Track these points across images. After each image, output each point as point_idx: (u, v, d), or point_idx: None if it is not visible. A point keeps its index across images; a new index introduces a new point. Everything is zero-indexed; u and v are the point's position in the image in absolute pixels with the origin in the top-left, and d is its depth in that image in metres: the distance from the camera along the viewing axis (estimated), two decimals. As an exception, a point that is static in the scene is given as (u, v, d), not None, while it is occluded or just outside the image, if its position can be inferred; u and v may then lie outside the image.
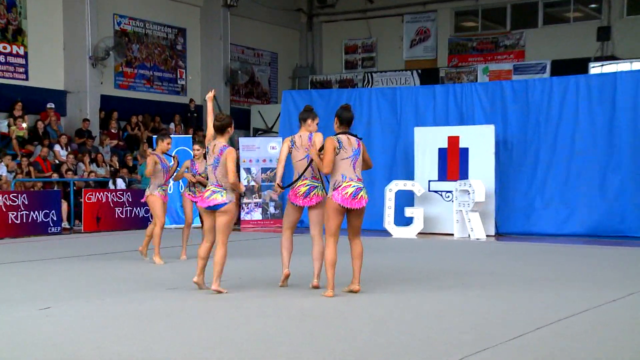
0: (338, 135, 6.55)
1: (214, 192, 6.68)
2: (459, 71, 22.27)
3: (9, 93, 16.49)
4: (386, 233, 13.32)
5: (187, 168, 9.65)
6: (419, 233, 13.28)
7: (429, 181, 13.70)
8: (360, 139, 6.67)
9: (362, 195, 6.47)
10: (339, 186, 6.44)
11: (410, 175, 13.95)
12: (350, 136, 6.56)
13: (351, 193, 6.42)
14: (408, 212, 13.35)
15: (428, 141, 13.73)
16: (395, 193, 13.38)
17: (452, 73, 22.29)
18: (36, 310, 5.85)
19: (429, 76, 22.17)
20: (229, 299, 6.38)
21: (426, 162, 13.74)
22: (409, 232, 13.22)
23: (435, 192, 13.67)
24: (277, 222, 15.37)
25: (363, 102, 14.96)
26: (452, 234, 13.11)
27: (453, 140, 13.54)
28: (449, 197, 13.48)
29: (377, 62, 24.46)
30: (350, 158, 6.49)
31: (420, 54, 23.75)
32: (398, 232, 13.25)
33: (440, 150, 13.64)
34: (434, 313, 5.81)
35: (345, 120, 6.57)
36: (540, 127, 13.55)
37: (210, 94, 7.16)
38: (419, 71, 22.65)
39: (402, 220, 13.52)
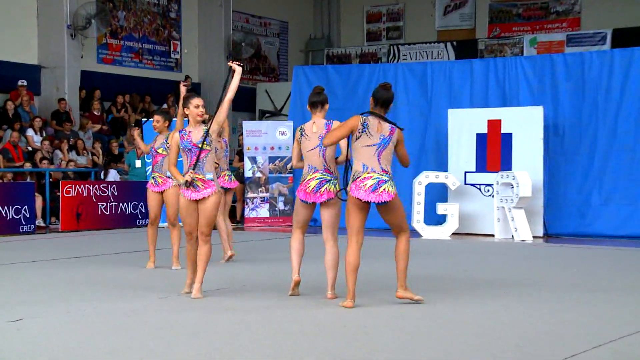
0: (367, 116, 6.48)
1: None
2: (501, 43, 22.13)
3: (-26, 69, 16.60)
4: (415, 233, 13.28)
5: None
6: (454, 233, 13.26)
7: (465, 173, 13.66)
8: (401, 129, 6.54)
9: (385, 189, 6.39)
10: (358, 177, 6.42)
11: (442, 166, 13.91)
12: (382, 121, 6.48)
13: (371, 185, 6.37)
14: (440, 208, 13.33)
15: (464, 125, 13.68)
16: (426, 187, 13.35)
17: (494, 45, 22.17)
18: (5, 322, 5.88)
19: (466, 49, 22.05)
20: (230, 310, 6.40)
21: (462, 151, 13.70)
22: (441, 233, 13.19)
23: (473, 185, 13.63)
24: (286, 219, 15.38)
25: (387, 79, 14.88)
26: (493, 235, 13.08)
27: (494, 125, 13.48)
28: (488, 191, 13.43)
29: (405, 33, 24.38)
30: (375, 146, 6.43)
31: (456, 23, 23.63)
32: (428, 232, 13.23)
33: (479, 136, 13.59)
34: (471, 328, 5.79)
35: (381, 100, 6.51)
36: (598, 109, 13.45)
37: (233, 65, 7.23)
38: (454, 43, 22.54)
39: (434, 219, 13.50)
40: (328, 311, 6.36)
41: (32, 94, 17.34)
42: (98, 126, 17.89)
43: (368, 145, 6.41)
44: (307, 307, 6.55)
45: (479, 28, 23.25)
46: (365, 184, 6.37)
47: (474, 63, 14.80)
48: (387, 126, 6.48)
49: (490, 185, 13.37)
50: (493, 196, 13.18)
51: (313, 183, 6.80)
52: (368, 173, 6.40)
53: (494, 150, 13.47)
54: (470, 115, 13.74)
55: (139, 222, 14.96)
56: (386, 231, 6.82)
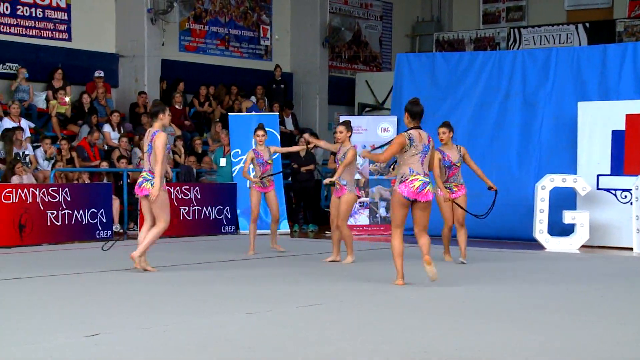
0: (409, 131, 8.52)
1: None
2: (644, 24, 21.63)
3: (48, 58, 17.23)
4: (536, 245, 13.13)
5: (252, 159, 11.72)
6: (583, 246, 13.04)
7: (598, 176, 13.43)
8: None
9: (429, 189, 8.50)
10: (406, 179, 8.46)
11: (570, 168, 13.71)
12: (421, 131, 8.57)
13: (418, 186, 8.44)
14: (568, 217, 13.14)
15: (597, 121, 13.47)
16: (550, 192, 13.19)
17: (635, 27, 21.65)
18: (82, 337, 6.11)
19: (601, 31, 21.63)
20: (327, 330, 6.47)
21: (594, 150, 13.48)
22: (568, 245, 13.01)
23: (607, 190, 13.38)
24: (388, 228, 15.34)
25: (504, 68, 14.84)
26: (631, 249, 12.83)
27: (634, 120, 13.25)
28: (626, 197, 13.18)
29: (528, 14, 24.04)
30: (419, 154, 8.49)
31: (590, 2, 23.16)
32: (553, 244, 13.07)
33: (615, 133, 13.36)
34: None
35: (416, 114, 8.58)
36: None
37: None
38: (587, 25, 22.11)
39: (559, 229, 13.31)
40: (438, 332, 6.37)
41: (109, 86, 17.88)
42: (180, 122, 18.19)
43: (414, 155, 8.48)
44: (412, 326, 6.58)
45: (617, 6, 22.73)
46: (414, 185, 8.41)
47: (608, 49, 14.53)
48: (425, 135, 8.58)
49: (628, 190, 13.12)
50: (632, 203, 12.94)
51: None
52: (414, 176, 8.44)
53: (634, 150, 13.22)
54: (604, 109, 13.50)
55: (223, 229, 15.24)
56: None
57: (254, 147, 12.04)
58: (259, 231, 15.34)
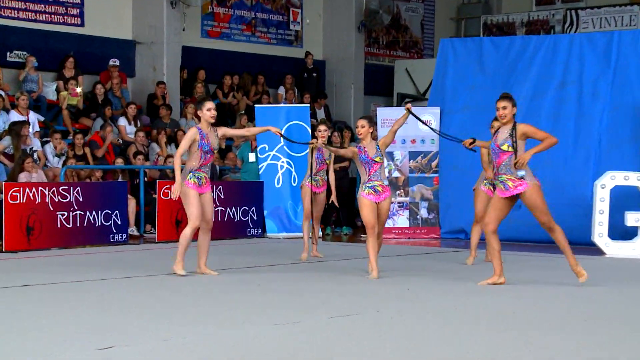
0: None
1: None
2: None
3: (59, 45, 17.36)
4: (595, 250, 13.01)
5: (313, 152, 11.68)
6: (648, 251, 12.95)
7: (665, 173, 13.33)
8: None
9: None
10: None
11: (632, 164, 13.61)
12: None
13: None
14: (631, 219, 13.02)
15: (664, 112, 13.36)
16: (611, 191, 13.07)
17: None
18: (95, 349, 6.13)
19: (668, 13, 21.45)
20: (359, 341, 6.45)
21: (661, 145, 13.38)
22: (631, 250, 12.93)
23: (675, 189, 13.29)
24: (431, 230, 15.34)
25: (558, 54, 14.73)
26: (701, 254, 12.70)
27: None
28: (696, 197, 13.08)
29: (586, -6, 23.88)
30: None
31: (654, -20, 22.98)
32: (614, 249, 12.97)
33: (685, 126, 13.28)
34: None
35: None
36: None
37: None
38: (652, 5, 21.93)
39: (621, 231, 13.19)
40: (481, 346, 6.32)
41: (124, 76, 17.96)
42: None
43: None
44: (452, 338, 6.53)
45: (686, -15, 22.54)
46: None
47: (677, 31, 14.43)
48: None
49: (698, 189, 13.02)
50: (702, 204, 12.83)
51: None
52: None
53: None
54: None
55: (249, 232, 15.24)
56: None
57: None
58: (289, 234, 15.42)
